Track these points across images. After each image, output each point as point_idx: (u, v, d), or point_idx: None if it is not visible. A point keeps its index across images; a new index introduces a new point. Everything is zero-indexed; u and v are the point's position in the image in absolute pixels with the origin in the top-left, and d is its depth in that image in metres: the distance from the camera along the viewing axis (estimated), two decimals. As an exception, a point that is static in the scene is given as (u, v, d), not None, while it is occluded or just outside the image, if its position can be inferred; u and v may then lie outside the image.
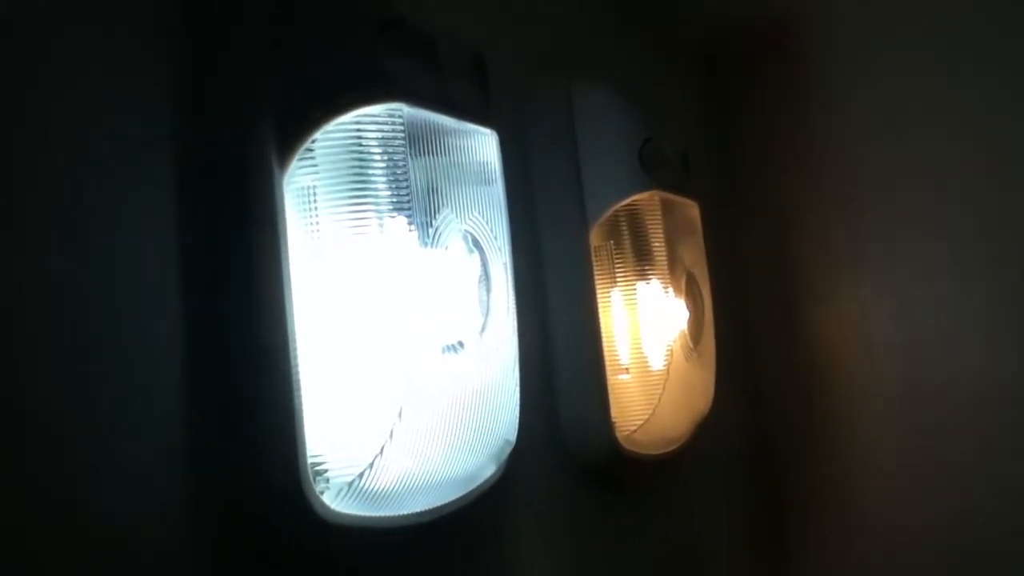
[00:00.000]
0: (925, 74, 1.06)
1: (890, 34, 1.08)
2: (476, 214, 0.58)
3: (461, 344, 0.56)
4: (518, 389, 0.60)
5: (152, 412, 0.46)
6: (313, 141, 0.51)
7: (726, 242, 1.11)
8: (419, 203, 0.54)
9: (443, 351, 0.55)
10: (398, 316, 0.51)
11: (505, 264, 0.60)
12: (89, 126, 0.46)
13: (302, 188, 0.51)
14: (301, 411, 0.48)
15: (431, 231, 0.54)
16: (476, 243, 0.59)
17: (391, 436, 0.51)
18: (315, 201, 0.51)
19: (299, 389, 0.48)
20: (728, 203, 1.14)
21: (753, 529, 1.08)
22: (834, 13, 1.12)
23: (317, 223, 0.51)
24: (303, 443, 0.48)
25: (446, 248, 0.55)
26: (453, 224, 0.56)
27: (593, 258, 0.79)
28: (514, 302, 0.61)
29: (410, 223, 0.53)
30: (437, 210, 0.55)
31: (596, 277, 0.79)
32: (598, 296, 0.78)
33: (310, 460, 0.49)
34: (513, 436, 0.61)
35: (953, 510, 1.05)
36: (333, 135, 0.52)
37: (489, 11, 0.78)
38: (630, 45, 1.00)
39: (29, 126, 0.43)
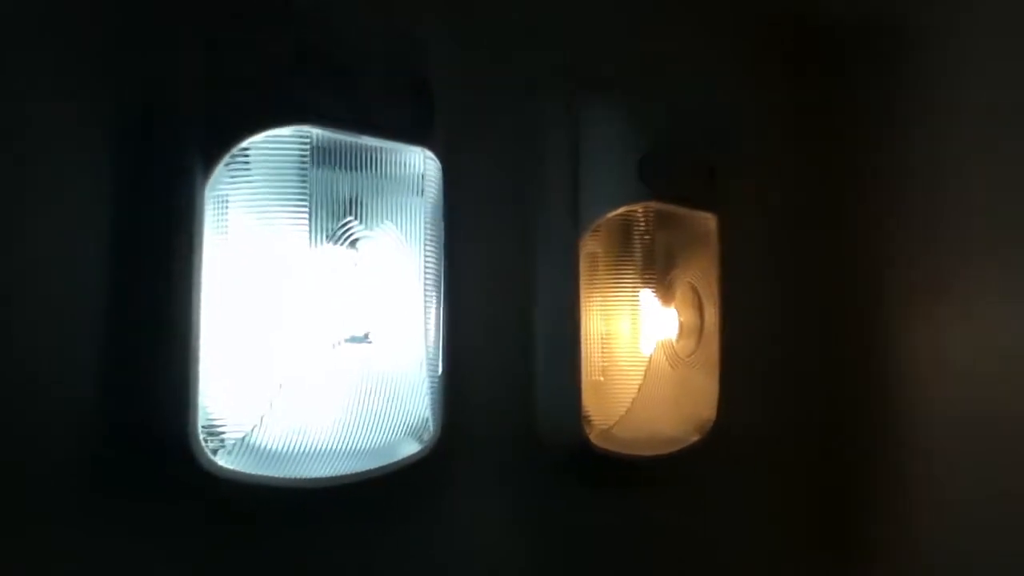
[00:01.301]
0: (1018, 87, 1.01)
1: (989, 44, 1.03)
2: (390, 221, 0.66)
3: (366, 336, 0.65)
4: (428, 375, 0.68)
5: (66, 371, 0.59)
6: (233, 156, 0.61)
7: (800, 257, 1.11)
8: (320, 208, 0.63)
9: (346, 340, 0.64)
10: (284, 306, 0.61)
11: (423, 266, 0.68)
12: (34, 131, 0.58)
13: (219, 197, 0.62)
14: (197, 378, 0.59)
15: (330, 233, 0.63)
16: (392, 247, 0.67)
17: (272, 403, 0.60)
18: (227, 208, 0.62)
19: (197, 359, 0.59)
20: (804, 216, 1.13)
21: (788, 548, 1.07)
22: (936, 14, 1.08)
23: (227, 226, 0.62)
24: (195, 405, 0.59)
25: (352, 249, 0.64)
26: (357, 229, 0.64)
27: (584, 264, 0.84)
28: (434, 300, 0.69)
29: (307, 225, 0.62)
30: (343, 215, 0.64)
31: (585, 282, 0.84)
32: (585, 299, 0.84)
33: (207, 420, 0.60)
34: (429, 415, 0.68)
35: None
36: (250, 152, 0.62)
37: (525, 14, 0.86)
38: (688, 53, 1.03)
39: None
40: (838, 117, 1.13)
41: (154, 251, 0.61)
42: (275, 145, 0.62)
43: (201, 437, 0.59)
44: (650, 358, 0.83)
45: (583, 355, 0.82)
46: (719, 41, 1.05)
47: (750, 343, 0.97)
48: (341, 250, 0.64)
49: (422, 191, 0.69)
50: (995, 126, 1.01)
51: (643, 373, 0.83)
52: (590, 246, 0.85)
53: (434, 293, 0.69)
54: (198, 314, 0.60)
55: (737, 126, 1.06)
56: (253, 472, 0.61)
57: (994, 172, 1.01)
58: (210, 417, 0.60)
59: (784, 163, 1.12)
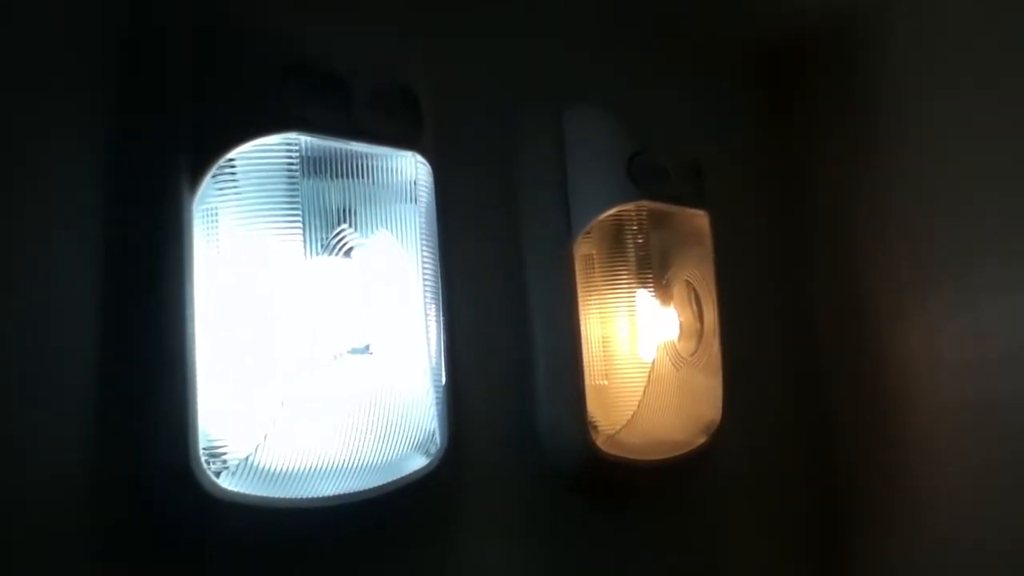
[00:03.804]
0: (1002, 83, 1.00)
1: (966, 44, 1.03)
2: (385, 228, 0.65)
3: (367, 347, 0.63)
4: (432, 386, 0.66)
5: (63, 399, 0.56)
6: (220, 168, 0.59)
7: (791, 255, 1.10)
8: (313, 218, 0.61)
9: (348, 352, 0.62)
10: (281, 319, 0.59)
11: (421, 274, 0.66)
12: (18, 148, 0.57)
13: (208, 209, 0.60)
14: (195, 400, 0.57)
15: (325, 243, 0.61)
16: (388, 255, 0.65)
17: (274, 422, 0.58)
18: (216, 220, 0.60)
19: (194, 380, 0.57)
20: (794, 214, 1.13)
21: (793, 549, 1.05)
22: (901, 12, 1.08)
23: (218, 240, 0.60)
24: (195, 428, 0.56)
25: (347, 258, 0.62)
26: (352, 237, 0.62)
27: (578, 266, 0.82)
28: (434, 308, 0.67)
29: (300, 236, 0.60)
30: (336, 224, 0.62)
31: (581, 285, 0.82)
32: (582, 303, 0.82)
33: (208, 443, 0.58)
34: (436, 427, 0.66)
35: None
36: (237, 162, 0.60)
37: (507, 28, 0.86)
38: (670, 56, 1.02)
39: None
40: (827, 117, 1.13)
41: (143, 268, 0.59)
42: (263, 155, 0.60)
43: (203, 460, 0.57)
44: (653, 360, 0.81)
45: (584, 360, 0.81)
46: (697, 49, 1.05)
47: (749, 341, 0.95)
48: (336, 260, 0.62)
49: (415, 197, 0.68)
50: (985, 123, 1.00)
51: (647, 376, 0.81)
52: (584, 248, 0.83)
53: (433, 301, 0.67)
54: (192, 333, 0.57)
55: (722, 126, 1.06)
56: (258, 493, 0.59)
57: (984, 169, 1.01)
58: (211, 439, 0.58)
59: (774, 161, 1.11)
